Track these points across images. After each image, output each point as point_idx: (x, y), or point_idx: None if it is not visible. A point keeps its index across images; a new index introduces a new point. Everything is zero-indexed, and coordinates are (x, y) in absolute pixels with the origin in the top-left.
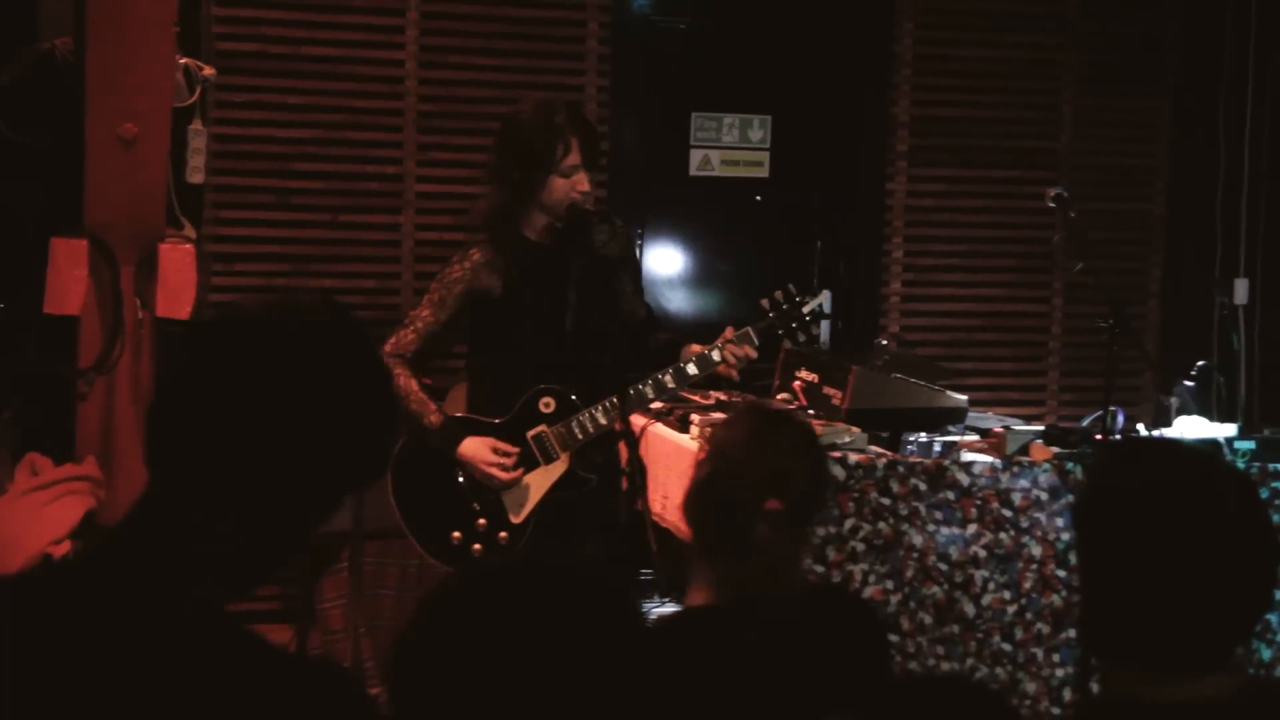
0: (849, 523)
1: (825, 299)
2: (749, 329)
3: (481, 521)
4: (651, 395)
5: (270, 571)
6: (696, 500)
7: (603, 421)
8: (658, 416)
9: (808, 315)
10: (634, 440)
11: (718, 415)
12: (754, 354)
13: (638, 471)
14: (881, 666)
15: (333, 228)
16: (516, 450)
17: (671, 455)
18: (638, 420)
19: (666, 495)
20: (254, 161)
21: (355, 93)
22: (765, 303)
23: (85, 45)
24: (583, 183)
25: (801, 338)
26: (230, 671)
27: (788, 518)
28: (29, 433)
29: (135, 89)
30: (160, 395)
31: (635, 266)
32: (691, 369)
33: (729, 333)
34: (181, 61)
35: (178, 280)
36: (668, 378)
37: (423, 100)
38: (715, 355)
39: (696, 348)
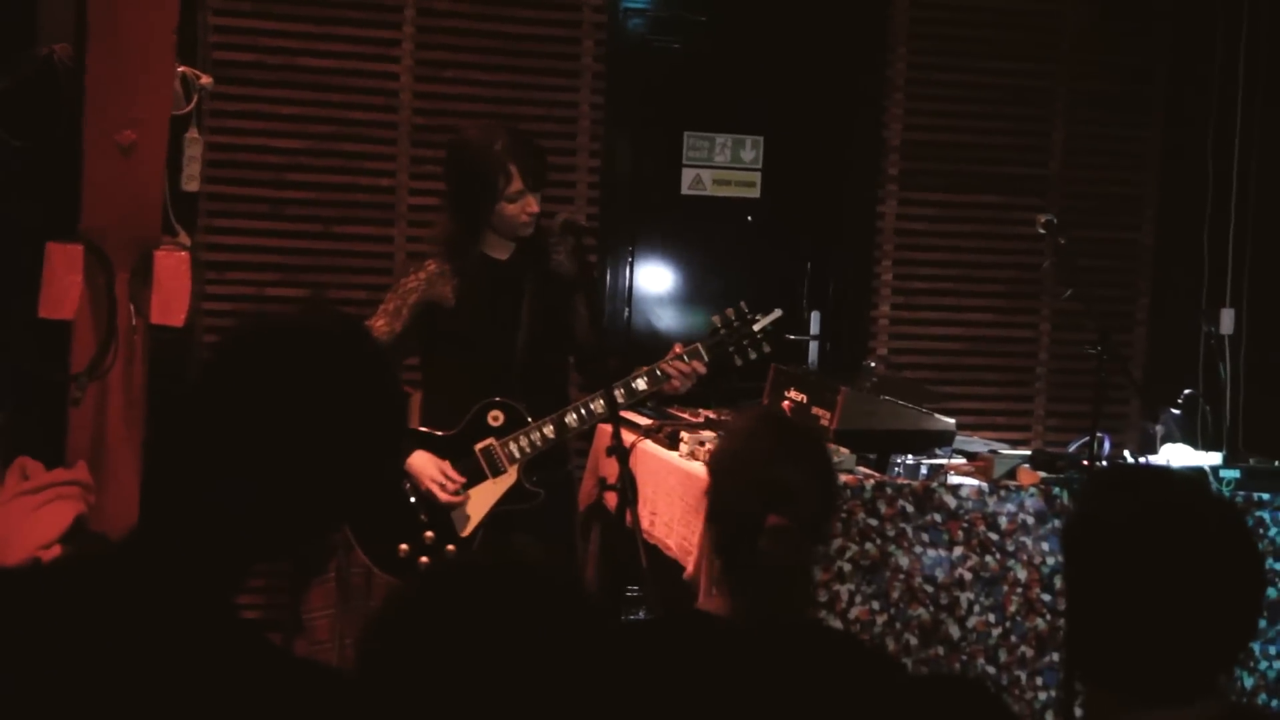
0: (836, 543)
1: (777, 315)
2: (698, 345)
3: (429, 534)
4: (601, 411)
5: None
6: (708, 514)
7: (551, 436)
8: (647, 433)
9: (759, 332)
10: (625, 455)
11: (707, 433)
12: (702, 370)
13: (628, 486)
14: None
15: (325, 239)
16: (461, 480)
17: (660, 472)
18: (628, 436)
19: (655, 511)
20: (248, 171)
21: (350, 105)
22: (716, 319)
23: (85, 52)
24: (531, 205)
25: (753, 355)
26: (235, 668)
27: (795, 532)
28: (20, 437)
29: (134, 96)
30: (170, 403)
31: (591, 286)
32: (640, 384)
33: (678, 349)
34: (179, 70)
35: (173, 287)
36: (618, 393)
37: (417, 114)
38: (661, 371)
39: (646, 369)
